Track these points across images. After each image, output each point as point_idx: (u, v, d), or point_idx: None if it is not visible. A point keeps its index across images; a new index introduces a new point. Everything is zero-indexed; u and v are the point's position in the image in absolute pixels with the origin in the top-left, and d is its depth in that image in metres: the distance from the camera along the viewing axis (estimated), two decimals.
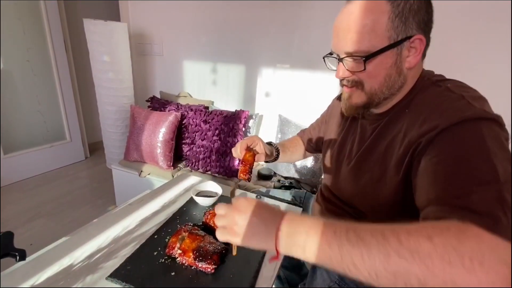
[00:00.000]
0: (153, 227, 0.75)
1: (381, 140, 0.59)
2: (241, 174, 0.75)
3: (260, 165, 1.90)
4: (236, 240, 0.43)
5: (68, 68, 2.36)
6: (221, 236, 0.45)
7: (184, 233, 0.65)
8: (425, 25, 0.52)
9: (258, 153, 0.80)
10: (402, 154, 0.52)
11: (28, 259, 0.62)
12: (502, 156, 0.40)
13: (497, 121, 0.44)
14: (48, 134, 2.35)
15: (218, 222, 0.47)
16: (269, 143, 0.89)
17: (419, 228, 0.33)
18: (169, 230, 0.72)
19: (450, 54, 1.30)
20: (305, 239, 0.37)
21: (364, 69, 0.53)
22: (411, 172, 0.50)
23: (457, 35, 1.28)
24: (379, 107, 0.61)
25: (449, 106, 0.47)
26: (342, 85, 0.61)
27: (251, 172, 0.75)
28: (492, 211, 0.36)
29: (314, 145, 0.94)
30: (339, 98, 0.83)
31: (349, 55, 0.54)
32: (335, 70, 0.60)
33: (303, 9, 1.58)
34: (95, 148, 2.82)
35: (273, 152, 0.88)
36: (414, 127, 0.50)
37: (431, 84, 0.55)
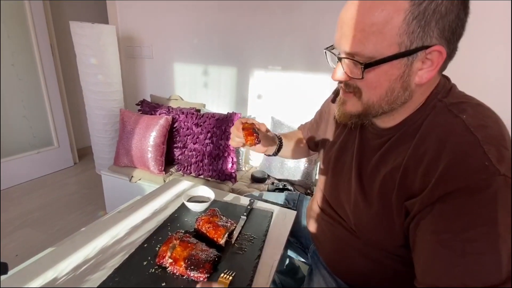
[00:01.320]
0: (143, 235, 0.72)
1: (382, 167, 0.51)
2: (248, 138, 0.63)
3: (254, 167, 1.88)
4: None
5: (55, 72, 2.30)
6: None
7: (175, 241, 0.63)
8: (452, 34, 0.41)
9: (257, 127, 0.70)
10: (398, 197, 0.46)
11: (10, 272, 0.59)
12: (509, 236, 0.35)
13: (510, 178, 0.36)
14: (34, 140, 2.28)
15: None
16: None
17: None
18: (160, 238, 0.69)
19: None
20: None
21: (362, 77, 0.44)
22: (407, 220, 0.46)
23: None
24: (383, 121, 0.53)
25: (460, 158, 0.38)
26: (339, 87, 0.54)
27: (257, 133, 0.65)
28: None
29: (313, 144, 0.88)
30: (333, 100, 0.77)
31: (349, 56, 0.45)
32: (332, 65, 0.52)
33: (294, 11, 1.57)
34: (84, 153, 2.76)
35: (276, 139, 0.81)
36: (417, 169, 0.43)
37: (444, 110, 0.45)
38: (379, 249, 0.56)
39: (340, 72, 0.48)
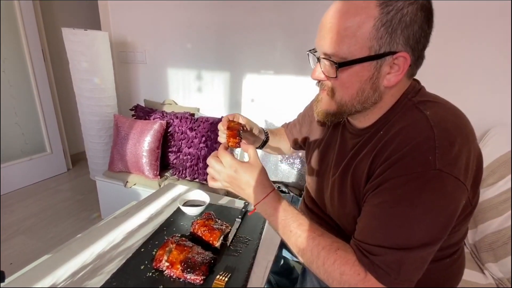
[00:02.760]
0: (140, 240, 0.73)
1: (354, 162, 0.56)
2: (230, 139, 0.62)
3: None
4: (229, 187, 0.58)
5: (47, 77, 2.29)
6: (217, 183, 0.59)
7: (171, 245, 0.64)
8: (416, 43, 0.46)
9: (242, 123, 0.72)
10: (365, 186, 0.52)
11: (7, 280, 0.59)
12: (429, 219, 0.43)
13: (449, 174, 0.42)
14: (27, 147, 2.26)
15: (217, 167, 0.57)
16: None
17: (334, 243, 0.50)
18: (156, 243, 0.71)
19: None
20: (270, 213, 0.55)
21: (336, 76, 0.49)
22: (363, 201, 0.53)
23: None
24: (360, 121, 0.58)
25: (410, 151, 0.44)
26: (318, 86, 0.58)
27: (240, 137, 0.64)
28: (387, 269, 0.44)
29: (294, 143, 0.91)
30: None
31: (327, 57, 0.49)
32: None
33: (285, 16, 1.61)
34: (77, 159, 2.74)
35: (262, 134, 0.84)
36: (380, 158, 0.48)
37: (412, 107, 0.50)
38: None
39: (318, 71, 0.52)
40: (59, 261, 0.65)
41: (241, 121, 0.74)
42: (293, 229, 0.52)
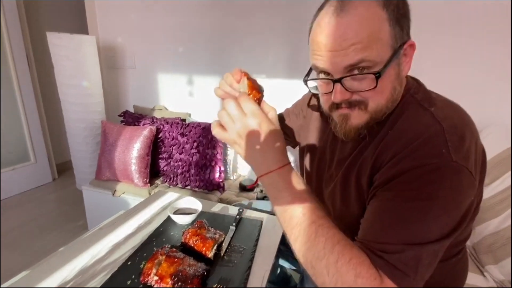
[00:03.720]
0: (127, 252, 0.68)
1: (359, 158, 0.53)
2: (253, 91, 0.48)
3: (242, 176, 1.86)
4: (238, 142, 0.47)
5: (31, 83, 2.21)
6: (225, 133, 0.48)
7: (160, 257, 0.59)
8: (408, 29, 0.48)
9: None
10: (368, 182, 0.49)
11: None
12: (447, 214, 0.41)
13: (465, 167, 0.41)
14: (9, 156, 2.15)
15: (235, 113, 0.46)
16: None
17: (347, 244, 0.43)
18: (145, 255, 0.66)
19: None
20: (282, 188, 0.47)
21: (376, 86, 0.44)
22: (368, 196, 0.50)
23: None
24: None
25: (423, 144, 0.43)
26: (335, 108, 0.51)
27: (262, 93, 0.51)
28: (404, 269, 0.40)
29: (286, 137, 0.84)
30: (308, 103, 0.76)
31: (351, 68, 0.45)
32: (317, 92, 0.53)
33: (277, 20, 1.60)
34: (63, 168, 2.63)
35: None
36: (387, 154, 0.46)
37: (415, 104, 0.49)
38: None
39: (342, 92, 0.46)
40: (37, 278, 0.59)
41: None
42: (306, 212, 0.45)
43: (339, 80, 0.46)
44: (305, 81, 0.52)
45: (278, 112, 0.54)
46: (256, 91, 0.49)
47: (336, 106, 0.50)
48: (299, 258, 0.46)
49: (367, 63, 0.44)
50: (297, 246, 0.45)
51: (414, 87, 0.52)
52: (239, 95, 0.47)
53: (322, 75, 0.49)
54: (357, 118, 0.49)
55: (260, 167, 0.47)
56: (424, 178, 0.41)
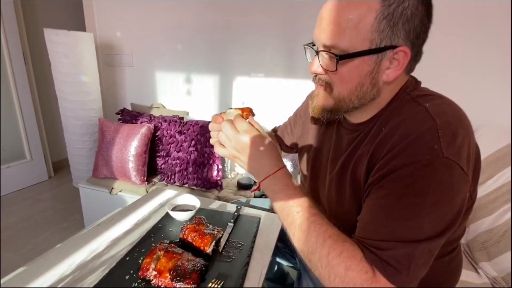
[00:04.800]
0: (125, 248, 0.68)
1: (353, 156, 0.54)
2: (244, 112, 0.56)
3: (240, 174, 1.86)
4: (237, 157, 0.54)
5: (27, 80, 2.19)
6: (225, 150, 0.55)
7: (159, 252, 0.60)
8: (416, 37, 0.45)
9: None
10: (365, 180, 0.50)
11: None
12: (439, 210, 0.41)
13: (456, 163, 0.41)
14: (4, 154, 2.13)
15: (230, 132, 0.53)
16: None
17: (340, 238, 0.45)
18: (143, 250, 0.66)
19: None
20: (279, 189, 0.52)
21: (336, 70, 0.47)
22: (364, 194, 0.50)
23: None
24: (356, 117, 0.56)
25: (414, 140, 0.43)
26: (314, 81, 0.55)
27: (253, 113, 0.58)
28: (397, 265, 0.41)
29: (285, 147, 0.88)
30: (307, 106, 0.76)
31: (326, 49, 0.47)
32: (309, 60, 0.55)
33: (276, 18, 1.61)
34: (60, 166, 2.62)
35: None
36: (381, 151, 0.46)
37: (410, 100, 0.49)
38: None
39: (317, 65, 0.51)
40: (35, 273, 0.59)
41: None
42: (300, 210, 0.49)
43: (317, 53, 0.50)
44: (305, 46, 0.55)
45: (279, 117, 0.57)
46: (245, 109, 0.58)
47: (314, 79, 0.54)
48: (298, 253, 0.49)
49: (337, 50, 0.46)
50: (295, 242, 0.49)
51: (411, 85, 0.52)
52: (234, 118, 0.55)
53: (311, 45, 0.53)
54: (322, 99, 0.53)
55: (259, 174, 0.53)
56: (416, 175, 0.42)
